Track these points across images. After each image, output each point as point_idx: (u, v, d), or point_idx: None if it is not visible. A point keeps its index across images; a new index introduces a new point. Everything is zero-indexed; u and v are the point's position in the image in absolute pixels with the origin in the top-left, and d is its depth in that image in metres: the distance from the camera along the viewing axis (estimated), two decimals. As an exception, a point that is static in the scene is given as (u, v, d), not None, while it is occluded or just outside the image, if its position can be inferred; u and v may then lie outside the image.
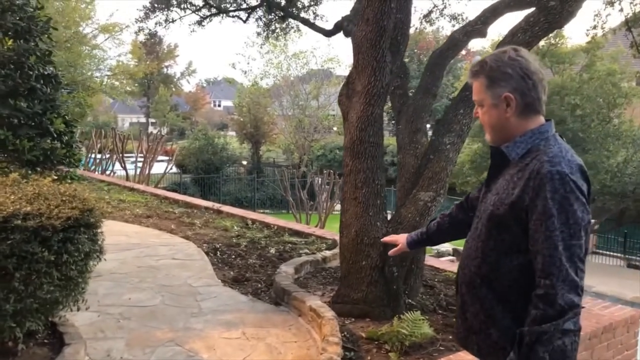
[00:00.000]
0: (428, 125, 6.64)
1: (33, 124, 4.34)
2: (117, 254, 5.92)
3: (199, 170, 24.48)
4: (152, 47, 49.72)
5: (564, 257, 1.70)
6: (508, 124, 1.92)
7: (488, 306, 1.92)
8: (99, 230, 3.61)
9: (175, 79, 57.82)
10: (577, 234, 1.73)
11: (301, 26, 10.51)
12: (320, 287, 5.32)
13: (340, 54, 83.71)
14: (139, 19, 10.25)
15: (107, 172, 15.70)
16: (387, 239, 2.66)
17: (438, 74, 5.59)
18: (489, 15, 5.48)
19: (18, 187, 3.56)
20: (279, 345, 4.02)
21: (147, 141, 14.98)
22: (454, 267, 6.20)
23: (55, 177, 4.11)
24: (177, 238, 7.16)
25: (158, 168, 16.83)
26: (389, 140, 19.36)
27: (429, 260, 6.17)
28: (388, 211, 4.88)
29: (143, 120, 55.07)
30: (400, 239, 2.56)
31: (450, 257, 14.55)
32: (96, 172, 15.42)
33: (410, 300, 4.73)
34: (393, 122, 14.66)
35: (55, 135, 4.46)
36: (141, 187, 12.44)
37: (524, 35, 4.73)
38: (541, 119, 1.96)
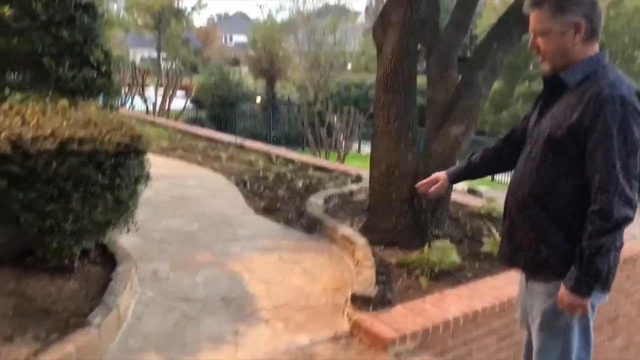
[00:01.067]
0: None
1: (74, 53, 4.42)
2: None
3: (214, 106, 24.48)
4: (163, -21, 48.49)
5: (620, 174, 1.83)
6: (573, 51, 2.00)
7: (540, 226, 2.06)
8: (146, 157, 3.76)
9: (186, 13, 56.70)
10: (633, 154, 1.85)
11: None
12: (348, 217, 5.50)
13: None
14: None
15: (127, 107, 15.80)
16: (425, 180, 2.61)
17: (470, 8, 5.54)
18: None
19: (68, 114, 3.69)
20: (314, 268, 4.24)
21: (167, 76, 14.99)
22: (477, 202, 6.35)
23: (99, 106, 4.23)
24: (205, 170, 7.34)
25: (175, 103, 16.90)
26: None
27: (453, 196, 6.32)
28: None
29: (154, 54, 54.50)
30: (440, 176, 2.58)
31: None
32: (115, 106, 15.50)
33: (437, 231, 4.91)
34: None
35: (95, 65, 4.54)
36: (162, 121, 12.57)
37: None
38: (597, 47, 2.03)
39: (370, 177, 5.11)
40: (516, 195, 2.17)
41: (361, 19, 38.78)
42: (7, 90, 4.18)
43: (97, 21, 4.67)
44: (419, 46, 5.08)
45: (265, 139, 23.49)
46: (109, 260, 3.85)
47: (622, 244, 1.95)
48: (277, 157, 8.30)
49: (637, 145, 1.86)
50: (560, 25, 1.98)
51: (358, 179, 7.01)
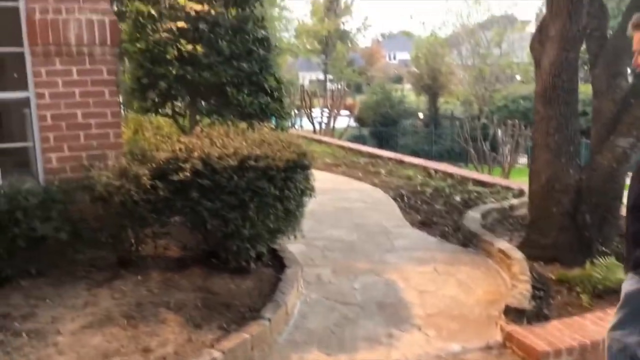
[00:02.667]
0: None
1: (251, 82, 5.07)
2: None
3: (376, 124, 25.09)
4: (330, 5, 50.89)
5: None
6: None
7: None
8: (310, 172, 4.18)
9: (351, 35, 58.74)
10: None
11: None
12: (507, 232, 5.44)
13: (524, -3, 77.56)
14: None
15: (296, 127, 16.97)
16: None
17: (643, 11, 5.21)
18: None
19: (245, 135, 4.26)
20: (469, 281, 4.31)
21: (332, 97, 15.85)
22: (654, 219, 5.85)
23: (272, 127, 4.80)
24: (365, 184, 7.71)
25: (339, 122, 17.72)
26: (581, 88, 17.89)
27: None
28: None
29: (321, 77, 57.19)
30: None
31: None
32: (286, 127, 16.78)
33: (604, 248, 4.67)
34: (585, 67, 13.56)
35: (269, 92, 5.15)
36: (327, 139, 13.33)
37: None
38: None
39: (530, 190, 5.04)
40: None
41: (530, 27, 36.99)
42: (197, 116, 4.94)
43: (271, 52, 5.30)
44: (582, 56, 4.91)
45: (427, 155, 23.49)
46: (278, 263, 4.33)
47: None
48: (436, 171, 8.39)
49: None
50: None
51: (520, 193, 6.84)
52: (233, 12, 4.93)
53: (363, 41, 61.91)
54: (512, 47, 28.83)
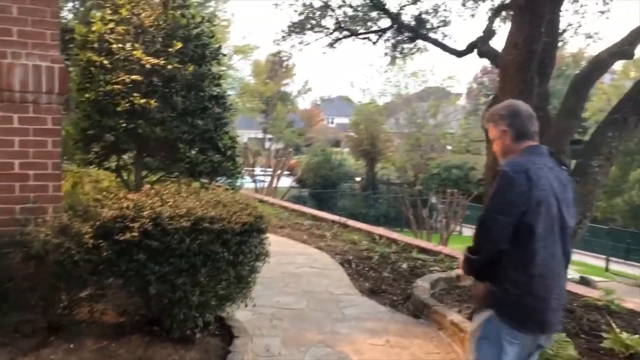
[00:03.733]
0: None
1: (205, 139, 4.92)
2: (260, 260, 6.41)
3: (316, 185, 25.27)
4: (272, 67, 51.98)
5: None
6: None
7: None
8: (266, 235, 4.02)
9: (292, 97, 59.88)
10: None
11: (428, 46, 10.68)
12: (455, 303, 5.41)
13: (458, 72, 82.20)
14: (277, 42, 10.94)
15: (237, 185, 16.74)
16: None
17: (583, 95, 5.54)
18: (637, 36, 5.37)
19: (199, 195, 4.07)
20: (422, 355, 4.19)
21: (275, 156, 15.81)
22: (593, 293, 6.01)
23: (226, 187, 4.63)
24: (311, 248, 7.57)
25: (282, 181, 17.67)
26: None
27: (568, 287, 6.04)
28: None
29: (260, 135, 57.55)
30: None
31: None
32: (226, 184, 16.51)
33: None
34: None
35: (222, 150, 5.01)
36: (270, 199, 13.18)
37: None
38: None
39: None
40: None
41: (462, 101, 38.97)
42: (144, 172, 4.70)
43: (226, 111, 5.19)
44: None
45: (365, 218, 23.71)
46: (226, 333, 4.06)
47: None
48: (380, 237, 8.39)
49: None
50: None
51: (464, 263, 6.89)
52: (190, 68, 4.83)
53: (303, 103, 63.29)
54: (447, 118, 30.17)
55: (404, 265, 6.72)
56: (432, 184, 18.71)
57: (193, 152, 4.82)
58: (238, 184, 5.50)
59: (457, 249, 9.61)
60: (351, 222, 9.66)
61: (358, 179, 30.43)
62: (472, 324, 2.75)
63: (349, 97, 42.58)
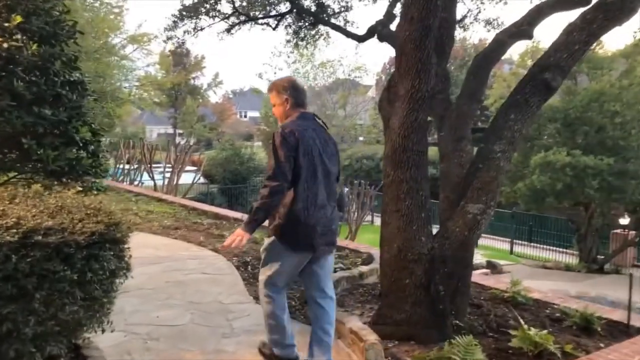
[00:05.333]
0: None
1: (58, 132, 4.13)
2: (144, 267, 5.67)
3: (226, 181, 24.37)
4: (179, 59, 50.15)
5: None
6: None
7: None
8: (125, 246, 3.34)
9: (202, 90, 58.16)
10: None
11: (331, 33, 10.33)
12: (358, 305, 4.99)
13: (367, 63, 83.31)
14: (168, 28, 10.09)
15: (135, 183, 15.62)
16: None
17: (483, 78, 5.26)
18: (535, 16, 5.15)
19: (40, 200, 3.33)
20: (318, 371, 3.68)
21: (175, 151, 14.83)
22: (500, 284, 5.80)
23: (80, 189, 3.86)
24: (206, 251, 6.91)
25: (186, 178, 16.71)
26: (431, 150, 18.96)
27: (473, 277, 5.79)
28: (433, 225, 4.53)
29: (170, 131, 55.49)
30: None
31: (484, 270, 13.98)
32: (124, 183, 15.36)
33: (457, 322, 4.37)
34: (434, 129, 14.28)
35: (81, 145, 4.24)
36: (169, 197, 12.30)
37: (580, 35, 4.36)
38: None
39: (381, 259, 4.65)
40: None
41: (371, 92, 39.35)
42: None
43: (85, 98, 4.41)
44: (429, 118, 4.75)
45: (276, 213, 23.09)
46: (82, 364, 3.36)
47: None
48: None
49: None
50: None
51: (369, 258, 6.52)
52: (34, 47, 4.01)
53: (214, 97, 61.73)
54: (356, 110, 30.24)
55: (306, 265, 6.21)
56: (343, 175, 18.52)
57: (43, 148, 4.02)
58: (105, 183, 4.71)
59: (366, 238, 9.26)
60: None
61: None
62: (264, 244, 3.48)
63: (259, 89, 41.70)
